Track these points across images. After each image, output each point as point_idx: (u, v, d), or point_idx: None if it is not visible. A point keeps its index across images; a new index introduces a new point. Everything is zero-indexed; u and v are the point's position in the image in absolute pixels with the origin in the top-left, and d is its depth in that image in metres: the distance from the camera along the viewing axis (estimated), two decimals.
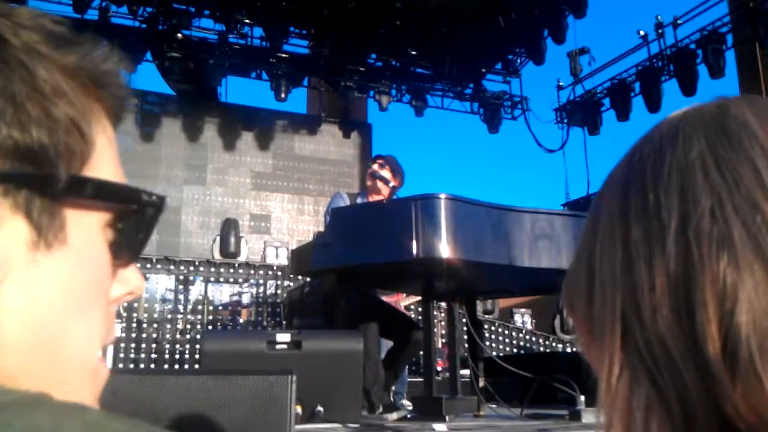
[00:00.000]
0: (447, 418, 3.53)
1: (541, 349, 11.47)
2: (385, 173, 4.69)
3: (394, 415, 3.95)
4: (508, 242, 3.54)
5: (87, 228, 0.44)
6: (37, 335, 0.40)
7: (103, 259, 0.46)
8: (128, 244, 0.48)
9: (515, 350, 11.08)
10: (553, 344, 11.68)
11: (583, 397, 3.47)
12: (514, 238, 3.56)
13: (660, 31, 11.88)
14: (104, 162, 0.47)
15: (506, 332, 11.32)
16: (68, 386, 0.42)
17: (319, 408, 3.27)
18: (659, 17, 11.86)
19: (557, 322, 11.93)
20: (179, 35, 11.98)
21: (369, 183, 4.76)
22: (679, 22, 11.64)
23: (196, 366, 8.60)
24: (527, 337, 11.57)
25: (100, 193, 0.45)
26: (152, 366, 8.65)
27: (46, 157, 0.41)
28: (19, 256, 0.40)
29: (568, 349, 11.55)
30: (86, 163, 0.44)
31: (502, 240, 3.54)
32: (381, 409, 4.06)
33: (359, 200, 4.74)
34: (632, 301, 0.45)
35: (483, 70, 14.51)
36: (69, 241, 0.42)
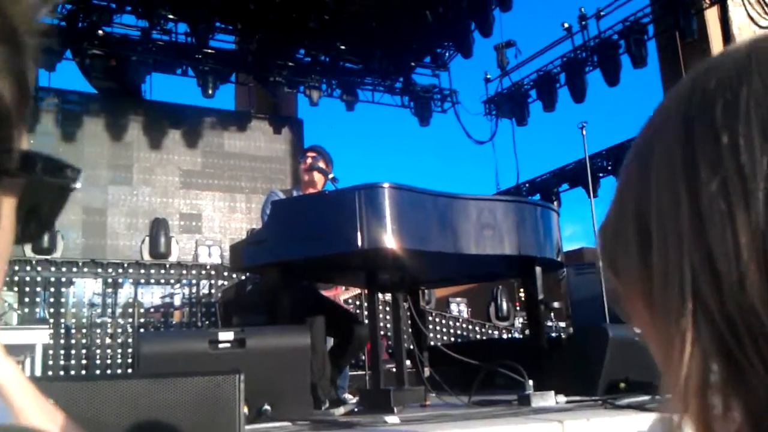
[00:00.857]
0: (395, 409, 3.49)
1: (478, 336, 11.62)
2: (321, 164, 4.61)
3: (341, 410, 3.88)
4: (454, 230, 3.52)
5: (7, 208, 0.38)
6: None
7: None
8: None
9: (453, 339, 11.18)
10: (489, 331, 11.85)
11: (531, 382, 3.49)
12: (459, 226, 3.54)
13: (583, 22, 12.19)
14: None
15: (443, 321, 11.41)
16: None
17: (266, 407, 3.17)
18: (583, 9, 12.17)
19: (492, 309, 12.12)
20: (100, 32, 11.54)
21: (306, 177, 4.66)
22: (602, 13, 11.97)
23: (129, 371, 8.31)
24: (464, 325, 11.70)
25: (35, 168, 0.38)
26: (83, 373, 8.30)
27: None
28: None
29: (504, 336, 11.75)
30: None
31: (447, 228, 3.51)
32: (327, 405, 3.98)
33: (294, 194, 4.64)
34: (707, 267, 0.37)
35: (412, 63, 14.56)
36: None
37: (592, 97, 13.04)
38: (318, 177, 4.56)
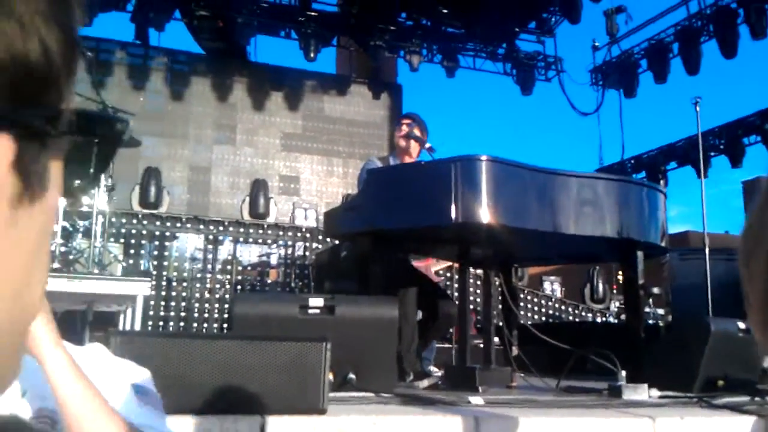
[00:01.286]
0: (480, 389, 3.43)
1: (571, 317, 11.34)
2: (417, 132, 4.54)
3: (425, 383, 3.87)
4: (553, 208, 3.38)
5: (57, 170, 0.35)
6: (5, 291, 0.32)
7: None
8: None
9: (545, 318, 10.96)
10: (583, 313, 11.53)
11: (624, 372, 3.34)
12: (559, 204, 3.40)
13: None
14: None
15: (535, 300, 11.19)
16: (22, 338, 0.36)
17: (351, 375, 3.19)
18: None
19: (587, 290, 11.77)
20: None
21: (403, 144, 4.59)
22: None
23: (225, 326, 8.64)
24: (557, 305, 11.43)
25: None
26: (181, 325, 8.70)
27: (43, 82, 0.30)
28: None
29: (599, 319, 11.41)
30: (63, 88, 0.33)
31: (546, 205, 3.38)
32: (412, 377, 3.97)
33: (391, 161, 4.59)
34: None
35: (516, 29, 14.13)
36: (48, 190, 0.33)
37: (706, 69, 12.25)
38: (414, 145, 4.49)
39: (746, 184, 15.12)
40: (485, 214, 3.21)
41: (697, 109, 6.21)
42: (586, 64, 14.57)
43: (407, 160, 4.56)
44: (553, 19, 14.20)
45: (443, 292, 4.88)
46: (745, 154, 12.23)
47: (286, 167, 13.23)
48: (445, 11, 13.15)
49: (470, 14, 12.99)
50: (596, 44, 14.20)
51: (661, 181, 12.91)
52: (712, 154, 12.63)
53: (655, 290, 9.56)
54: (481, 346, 4.49)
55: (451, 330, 5.49)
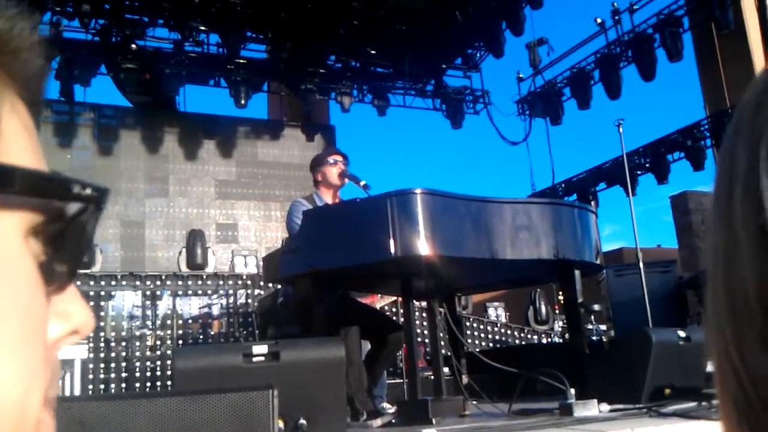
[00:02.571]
0: (434, 421, 3.42)
1: (516, 341, 11.45)
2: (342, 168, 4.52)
3: (379, 422, 3.82)
4: (489, 235, 3.43)
5: (2, 237, 0.31)
6: None
7: (29, 281, 0.32)
8: (62, 257, 0.34)
9: (491, 344, 11.04)
10: (529, 336, 11.67)
11: (573, 390, 3.38)
12: (494, 231, 3.45)
13: (617, 17, 11.99)
14: (18, 149, 0.33)
15: (481, 327, 11.27)
16: None
17: (302, 421, 3.12)
18: (615, 4, 11.98)
19: (530, 313, 11.94)
20: (133, 46, 11.72)
21: (338, 182, 4.56)
22: (635, 7, 11.76)
23: (169, 383, 8.37)
24: (502, 330, 11.54)
25: (22, 186, 0.31)
26: (123, 386, 8.39)
27: None
28: None
29: (544, 340, 11.56)
30: None
31: (482, 233, 3.42)
32: (365, 416, 3.92)
33: (317, 201, 4.54)
34: None
35: (443, 66, 14.48)
36: None
37: (627, 93, 12.81)
38: (342, 182, 4.47)
39: (673, 199, 15.71)
40: (424, 247, 3.23)
41: (620, 130, 6.44)
42: (512, 96, 15.04)
43: (335, 197, 4.52)
44: (478, 55, 14.63)
45: (387, 318, 4.85)
46: (670, 171, 12.71)
47: (222, 215, 13.07)
48: (373, 52, 13.38)
49: (398, 54, 13.25)
50: (521, 76, 14.65)
51: (592, 202, 13.30)
52: (639, 172, 13.09)
53: (596, 307, 9.81)
54: (432, 377, 4.48)
55: (401, 364, 5.47)
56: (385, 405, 5.07)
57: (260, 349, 3.18)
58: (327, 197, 4.52)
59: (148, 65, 11.85)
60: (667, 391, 3.70)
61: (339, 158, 4.59)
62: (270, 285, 8.40)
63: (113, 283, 8.97)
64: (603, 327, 9.88)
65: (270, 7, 11.75)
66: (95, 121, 12.56)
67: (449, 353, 4.49)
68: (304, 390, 3.12)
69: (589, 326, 9.57)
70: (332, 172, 4.54)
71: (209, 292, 9.49)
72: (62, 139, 12.09)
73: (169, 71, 11.69)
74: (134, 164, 12.62)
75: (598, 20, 12.26)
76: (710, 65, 11.52)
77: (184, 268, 10.31)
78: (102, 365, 8.41)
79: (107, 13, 11.18)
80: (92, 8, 10.76)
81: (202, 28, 11.96)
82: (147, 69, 11.90)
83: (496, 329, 11.44)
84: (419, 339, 8.94)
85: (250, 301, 9.48)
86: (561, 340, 11.14)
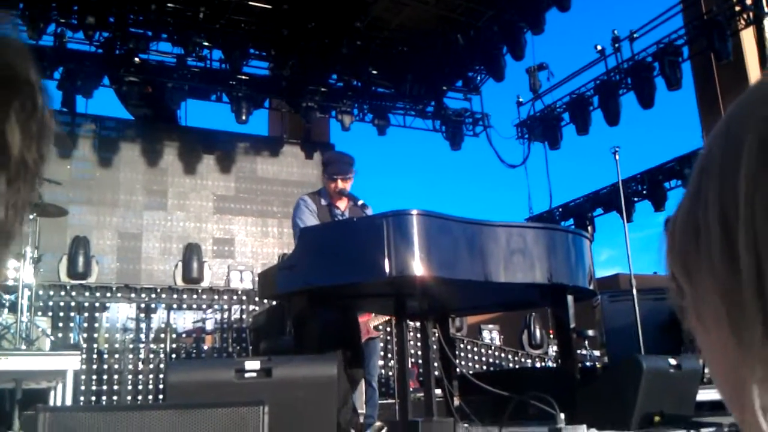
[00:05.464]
0: None
1: (510, 364, 11.43)
2: (347, 185, 4.54)
3: None
4: (483, 257, 3.46)
5: None
6: None
7: None
8: None
9: (485, 367, 11.02)
10: (522, 359, 11.65)
11: (563, 415, 3.39)
12: (488, 253, 3.48)
13: (617, 45, 12.09)
14: None
15: (475, 349, 11.26)
16: None
17: None
18: (615, 31, 12.09)
19: (525, 337, 11.92)
20: (137, 59, 11.80)
21: (334, 195, 4.60)
22: (635, 35, 11.87)
23: (161, 397, 8.34)
24: (496, 353, 11.53)
25: None
26: (115, 398, 8.35)
27: None
28: None
29: (538, 364, 11.54)
30: None
31: (476, 255, 3.45)
32: None
33: (322, 199, 4.56)
34: None
35: (444, 87, 14.58)
36: None
37: (626, 119, 12.89)
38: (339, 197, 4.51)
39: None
40: (418, 267, 3.26)
41: (617, 157, 6.50)
42: (511, 119, 15.09)
43: (339, 200, 4.53)
44: (479, 78, 14.74)
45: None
46: (667, 199, 12.76)
47: (219, 230, 13.08)
48: (375, 72, 13.48)
49: (399, 74, 13.36)
50: (520, 100, 14.75)
51: (589, 227, 13.34)
52: (636, 199, 13.14)
53: (590, 332, 9.79)
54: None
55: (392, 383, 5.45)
56: (378, 424, 5.07)
57: (253, 364, 3.19)
58: (333, 200, 4.53)
59: (151, 79, 11.93)
60: (657, 418, 3.70)
61: (339, 177, 4.59)
62: (264, 301, 8.41)
63: (108, 294, 8.96)
64: (597, 353, 9.87)
65: (273, 25, 11.86)
66: (96, 133, 12.60)
67: (441, 374, 4.50)
68: (295, 407, 3.13)
69: (583, 352, 9.56)
70: (330, 186, 4.58)
71: (204, 306, 9.49)
72: (63, 150, 12.12)
73: (172, 85, 11.76)
74: (133, 177, 12.64)
75: (598, 47, 12.38)
76: (709, 95, 11.63)
77: (179, 282, 10.32)
78: (94, 377, 8.38)
79: (112, 26, 11.27)
80: (97, 21, 10.84)
81: (206, 43, 12.05)
82: (149, 82, 11.97)
83: (490, 352, 11.42)
84: (413, 360, 8.93)
85: (244, 316, 9.47)
86: (555, 365, 11.12)
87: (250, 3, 11.48)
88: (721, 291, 0.38)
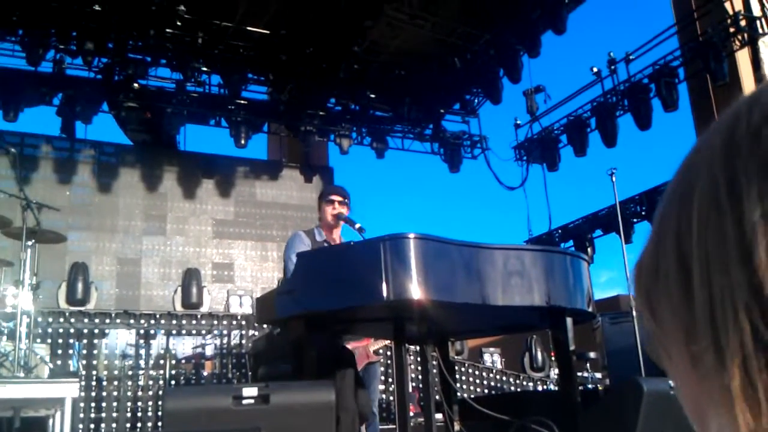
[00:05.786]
0: None
1: (512, 387, 11.35)
2: (346, 210, 4.64)
3: None
4: (481, 280, 3.45)
5: None
6: None
7: None
8: None
9: (486, 390, 10.94)
10: (524, 383, 11.57)
11: None
12: (486, 276, 3.47)
13: (613, 67, 12.17)
14: None
15: (476, 372, 11.18)
16: None
17: None
18: (611, 54, 12.18)
19: (526, 359, 11.85)
20: (135, 85, 11.87)
21: (332, 222, 4.66)
22: (631, 57, 11.96)
23: (160, 424, 8.26)
24: (497, 376, 11.44)
25: None
26: (113, 426, 8.28)
27: None
28: None
29: (539, 387, 11.45)
30: None
31: (474, 278, 3.44)
32: None
33: (317, 236, 4.62)
34: (756, 296, 0.36)
35: (441, 110, 14.66)
36: None
37: (623, 141, 12.94)
38: (341, 223, 4.58)
39: None
40: (416, 290, 3.25)
41: (613, 179, 6.53)
42: (509, 141, 15.13)
43: (334, 234, 4.62)
44: (476, 101, 14.83)
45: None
46: None
47: (218, 254, 13.07)
48: (373, 96, 13.56)
49: (397, 98, 13.45)
50: (518, 122, 14.81)
51: (589, 249, 13.32)
52: (635, 220, 13.12)
53: (591, 355, 9.75)
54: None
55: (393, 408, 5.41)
56: None
57: (250, 391, 3.17)
58: (327, 234, 4.61)
59: (150, 104, 12.00)
60: None
61: (337, 199, 4.68)
62: (263, 326, 8.37)
63: (107, 320, 8.91)
64: (598, 375, 9.81)
65: (271, 50, 11.95)
66: (95, 158, 12.65)
67: (442, 399, 4.47)
68: None
69: (584, 374, 9.50)
70: (327, 212, 4.65)
71: (203, 331, 9.44)
72: (62, 176, 12.16)
73: (171, 110, 11.82)
74: (132, 202, 12.66)
75: (594, 69, 12.45)
76: (705, 116, 11.66)
77: (179, 307, 10.27)
78: (93, 404, 8.31)
79: (110, 51, 11.35)
80: (96, 47, 10.92)
81: (204, 69, 12.13)
82: (148, 108, 12.04)
83: (491, 375, 11.34)
84: (414, 384, 8.86)
85: (244, 341, 9.42)
86: (557, 388, 11.04)
87: (249, 29, 11.58)
88: (680, 325, 0.41)
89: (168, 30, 11.13)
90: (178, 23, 10.86)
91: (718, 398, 0.38)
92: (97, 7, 10.36)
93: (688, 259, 0.40)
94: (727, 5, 10.81)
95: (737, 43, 10.87)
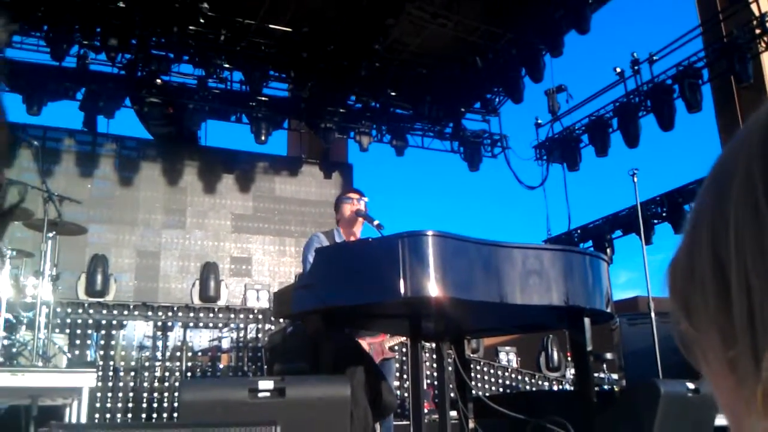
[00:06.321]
0: None
1: (527, 387, 11.31)
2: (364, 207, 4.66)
3: None
4: (499, 279, 3.43)
5: None
6: None
7: None
8: None
9: (501, 389, 10.91)
10: (539, 382, 11.53)
11: None
12: (504, 275, 3.45)
13: (636, 67, 12.06)
14: None
15: (492, 371, 11.15)
16: None
17: None
18: (635, 54, 12.06)
19: (542, 359, 11.81)
20: (158, 81, 11.97)
21: (352, 218, 4.67)
22: (654, 58, 11.84)
23: (175, 416, 8.33)
24: (513, 375, 11.41)
25: None
26: (129, 416, 8.36)
27: None
28: None
29: (555, 387, 11.40)
30: None
31: (492, 277, 3.42)
32: None
33: (336, 237, 4.64)
34: None
35: (462, 109, 14.61)
36: None
37: (646, 141, 12.79)
38: (360, 220, 4.59)
39: None
40: (433, 288, 3.24)
41: (635, 180, 6.46)
42: (530, 141, 15.05)
43: (352, 234, 4.64)
44: (497, 99, 14.76)
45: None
46: None
47: (237, 249, 13.15)
48: (394, 93, 13.55)
49: (417, 96, 13.42)
50: (539, 121, 14.73)
51: (608, 250, 13.22)
52: (656, 221, 13.00)
53: (608, 356, 9.69)
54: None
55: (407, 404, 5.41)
56: None
57: (266, 384, 3.18)
58: (345, 235, 4.63)
59: (172, 100, 12.08)
60: None
61: (355, 196, 4.71)
62: (280, 320, 8.40)
63: (125, 312, 9.01)
64: (615, 376, 9.75)
65: (293, 48, 11.99)
66: (117, 152, 12.78)
67: (457, 396, 4.45)
68: (308, 428, 3.11)
69: (601, 375, 9.44)
70: (346, 209, 4.67)
71: (220, 325, 9.50)
72: (84, 169, 12.30)
73: (192, 106, 11.91)
74: (153, 195, 12.78)
75: (618, 69, 12.35)
76: (729, 117, 11.53)
77: (196, 300, 10.35)
78: (110, 394, 8.40)
79: (134, 48, 11.46)
80: (119, 43, 11.02)
81: (226, 65, 12.20)
82: (170, 103, 12.13)
83: (506, 374, 11.31)
84: (429, 381, 8.86)
85: (260, 335, 9.47)
86: (573, 388, 10.98)
87: (271, 26, 11.62)
88: (717, 329, 0.40)
89: (191, 27, 11.21)
90: (201, 20, 10.92)
91: (756, 404, 0.37)
92: (121, 4, 10.46)
93: (725, 263, 0.39)
94: (753, 7, 10.66)
95: (762, 44, 10.72)
